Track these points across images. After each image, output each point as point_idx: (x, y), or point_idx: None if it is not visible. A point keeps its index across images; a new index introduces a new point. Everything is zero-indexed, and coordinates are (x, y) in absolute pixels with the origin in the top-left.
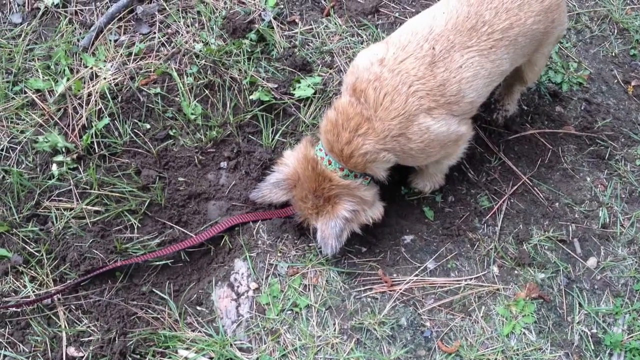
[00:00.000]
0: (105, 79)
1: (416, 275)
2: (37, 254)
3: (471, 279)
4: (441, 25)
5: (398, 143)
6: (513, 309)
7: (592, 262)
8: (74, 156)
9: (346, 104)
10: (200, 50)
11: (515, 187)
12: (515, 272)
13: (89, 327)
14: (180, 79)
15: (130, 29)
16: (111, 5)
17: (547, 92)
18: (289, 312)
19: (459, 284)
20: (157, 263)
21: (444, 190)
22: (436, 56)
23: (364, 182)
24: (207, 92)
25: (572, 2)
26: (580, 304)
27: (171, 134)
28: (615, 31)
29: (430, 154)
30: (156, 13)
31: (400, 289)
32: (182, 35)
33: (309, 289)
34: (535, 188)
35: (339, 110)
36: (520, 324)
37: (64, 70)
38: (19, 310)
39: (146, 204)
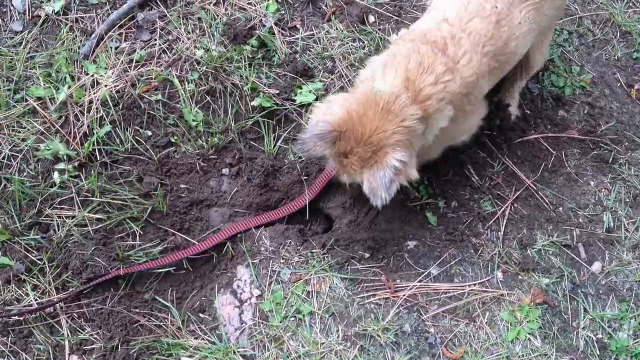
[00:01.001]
0: (106, 86)
1: (420, 281)
2: (39, 262)
3: (475, 284)
4: None
5: (461, 102)
6: (518, 315)
7: (596, 266)
8: (76, 164)
9: (430, 52)
10: (201, 57)
11: (519, 191)
12: (520, 277)
13: (91, 335)
14: (182, 86)
15: (131, 36)
16: (112, 13)
17: (550, 96)
18: (292, 318)
19: (463, 289)
20: (160, 270)
21: (447, 196)
22: (500, 14)
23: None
24: (208, 98)
25: (574, 5)
26: (585, 309)
27: (173, 140)
28: (618, 34)
29: (472, 121)
30: (157, 20)
31: (403, 295)
32: (183, 41)
33: (312, 295)
34: (539, 192)
35: (425, 55)
36: (525, 329)
37: (65, 77)
38: (21, 318)
39: (148, 211)
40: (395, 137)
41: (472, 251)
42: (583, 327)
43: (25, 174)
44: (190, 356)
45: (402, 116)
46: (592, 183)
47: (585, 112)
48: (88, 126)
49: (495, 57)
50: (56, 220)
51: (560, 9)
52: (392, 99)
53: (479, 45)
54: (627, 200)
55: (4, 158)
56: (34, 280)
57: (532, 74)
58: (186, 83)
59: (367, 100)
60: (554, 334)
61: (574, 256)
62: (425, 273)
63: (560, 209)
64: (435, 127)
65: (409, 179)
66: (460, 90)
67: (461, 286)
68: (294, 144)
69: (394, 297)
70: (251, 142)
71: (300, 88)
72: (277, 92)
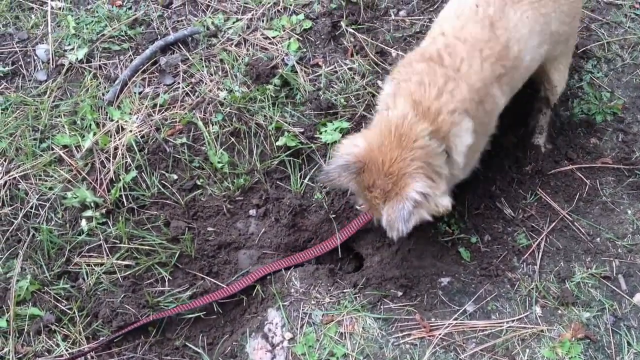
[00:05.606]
0: (131, 131)
1: (455, 319)
2: (69, 311)
3: (513, 320)
4: None
5: (477, 111)
6: (559, 351)
7: (638, 298)
8: (103, 211)
9: (427, 68)
10: (225, 98)
11: (554, 223)
12: (559, 312)
13: None
14: (206, 128)
15: (154, 80)
16: (134, 58)
17: (581, 124)
18: None
19: (501, 326)
20: (190, 316)
21: (479, 230)
22: (493, 18)
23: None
24: (233, 139)
25: (601, 30)
26: (628, 343)
27: (199, 183)
28: None
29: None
30: (179, 63)
31: (439, 334)
32: (206, 84)
33: (345, 337)
34: (574, 223)
35: (423, 73)
36: None
37: (90, 124)
38: None
39: (176, 255)
40: (414, 164)
41: (508, 286)
42: None
43: (53, 222)
44: None
45: (413, 136)
46: (629, 211)
47: (619, 139)
48: (114, 172)
49: (499, 62)
50: (85, 269)
51: (571, 15)
52: (401, 121)
53: (476, 50)
54: None
55: (32, 207)
56: (65, 330)
57: (557, 96)
58: (210, 125)
59: (383, 129)
60: None
61: (614, 288)
62: (461, 310)
63: (598, 239)
64: (460, 145)
65: (436, 210)
66: (471, 96)
67: (499, 323)
68: (318, 174)
69: (429, 336)
70: (277, 182)
71: (325, 126)
72: (302, 130)
